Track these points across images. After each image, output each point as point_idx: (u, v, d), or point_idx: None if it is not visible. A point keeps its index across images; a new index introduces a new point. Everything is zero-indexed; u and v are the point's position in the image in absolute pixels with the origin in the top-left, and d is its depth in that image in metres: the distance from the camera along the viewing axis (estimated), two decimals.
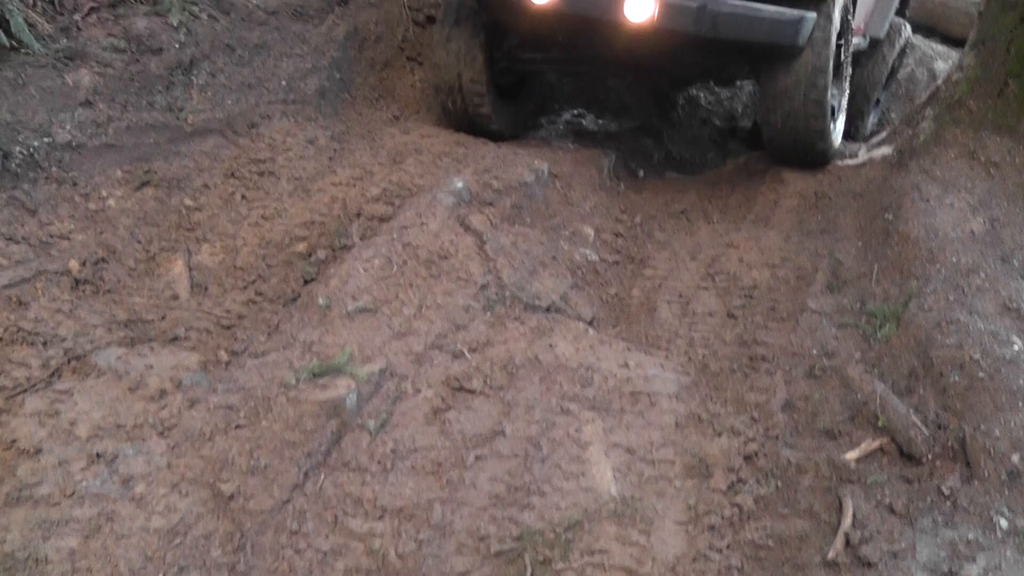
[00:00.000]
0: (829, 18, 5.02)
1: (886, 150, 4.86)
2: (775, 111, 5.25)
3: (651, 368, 3.76)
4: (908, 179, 4.48)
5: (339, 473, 3.30)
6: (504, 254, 4.26)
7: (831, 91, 5.20)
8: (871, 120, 7.35)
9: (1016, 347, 3.58)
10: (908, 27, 7.58)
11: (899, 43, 7.38)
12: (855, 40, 6.35)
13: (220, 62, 5.57)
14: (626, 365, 3.73)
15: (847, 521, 3.15)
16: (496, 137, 5.61)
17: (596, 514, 3.21)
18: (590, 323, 4.12)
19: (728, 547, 3.13)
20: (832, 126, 5.34)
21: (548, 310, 4.09)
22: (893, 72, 7.68)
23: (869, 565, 3.02)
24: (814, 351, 3.90)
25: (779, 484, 3.35)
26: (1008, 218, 4.22)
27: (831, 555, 3.05)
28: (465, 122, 5.63)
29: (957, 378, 3.50)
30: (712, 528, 3.17)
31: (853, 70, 6.69)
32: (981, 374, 3.46)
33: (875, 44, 7.14)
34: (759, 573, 3.05)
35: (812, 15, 4.82)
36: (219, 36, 5.59)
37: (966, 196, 4.31)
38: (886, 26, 7.13)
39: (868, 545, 3.08)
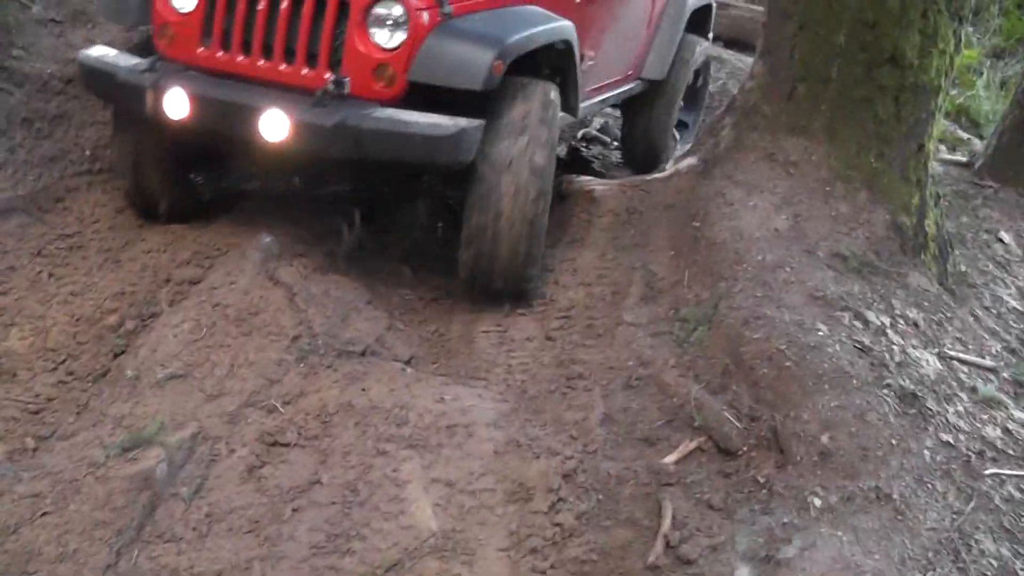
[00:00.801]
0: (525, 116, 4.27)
1: (692, 160, 4.99)
2: (471, 238, 4.36)
3: (468, 399, 3.76)
4: (712, 186, 4.62)
5: (154, 546, 3.20)
6: (315, 303, 4.21)
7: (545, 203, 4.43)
8: (679, 149, 6.87)
9: (821, 333, 3.70)
10: (704, 44, 7.06)
11: (693, 65, 6.83)
12: (628, 86, 6.29)
13: (19, 137, 5.41)
14: (442, 399, 3.72)
15: (666, 523, 3.23)
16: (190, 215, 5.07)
17: (417, 551, 3.18)
18: (407, 362, 4.09)
19: (551, 567, 3.16)
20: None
21: (363, 354, 4.05)
22: (696, 94, 7.30)
23: (689, 563, 3.09)
24: (631, 362, 3.97)
25: (600, 497, 3.39)
26: (810, 212, 4.39)
27: (652, 559, 3.10)
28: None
29: (766, 370, 3.62)
30: (534, 551, 3.18)
31: (638, 111, 6.67)
32: (788, 363, 3.58)
33: (658, 83, 6.57)
34: None
35: (476, 124, 4.06)
36: (15, 110, 5.44)
37: (769, 196, 4.47)
38: (666, 66, 6.52)
39: (688, 544, 3.16)
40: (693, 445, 3.55)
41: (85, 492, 3.29)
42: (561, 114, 4.77)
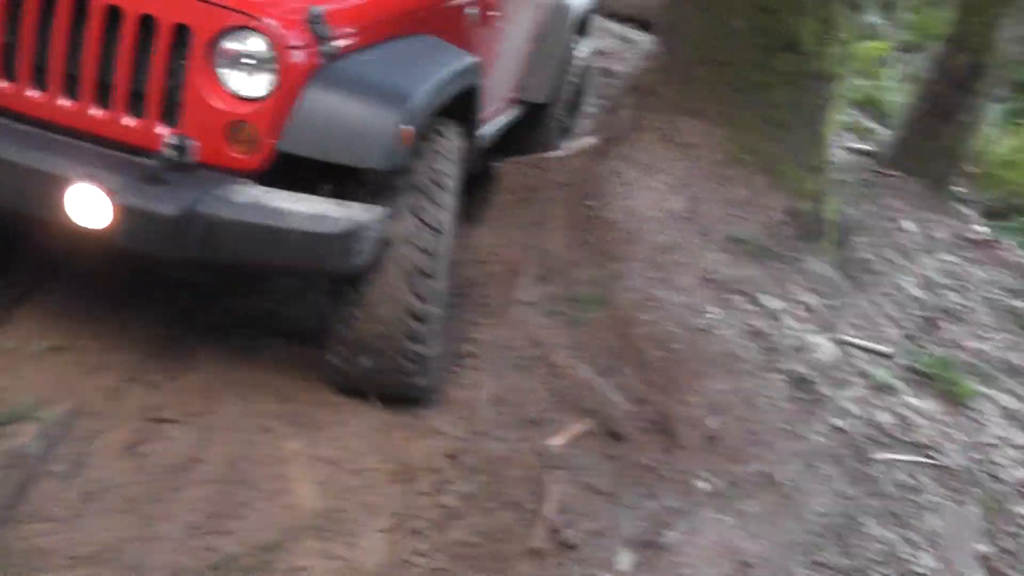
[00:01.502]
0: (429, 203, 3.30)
1: (590, 139, 4.91)
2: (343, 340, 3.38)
3: None
4: (608, 165, 4.55)
5: (26, 526, 2.98)
6: None
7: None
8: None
9: (710, 316, 3.64)
10: (583, 51, 6.22)
11: (573, 72, 5.98)
12: (514, 112, 5.38)
13: None
14: None
15: (549, 507, 3.11)
16: None
17: (298, 531, 3.02)
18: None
19: (434, 549, 3.03)
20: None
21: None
22: (575, 103, 6.38)
23: (571, 547, 3.00)
24: (521, 342, 3.86)
25: (485, 479, 3.28)
26: (706, 195, 4.34)
27: (534, 543, 2.98)
28: None
29: (656, 352, 3.57)
30: (416, 532, 3.06)
31: (522, 133, 5.64)
32: (677, 345, 3.53)
33: (540, 106, 5.66)
34: (465, 572, 2.93)
35: (377, 213, 3.04)
36: None
37: (665, 178, 4.41)
38: (547, 85, 5.58)
39: (571, 528, 3.07)
40: (581, 428, 3.46)
41: None
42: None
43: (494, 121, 5.00)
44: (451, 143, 3.52)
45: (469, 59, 3.72)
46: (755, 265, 4.10)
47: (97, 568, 2.85)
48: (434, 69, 3.41)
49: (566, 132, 6.16)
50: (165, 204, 2.82)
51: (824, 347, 3.81)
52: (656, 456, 3.28)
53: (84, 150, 3.03)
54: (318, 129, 2.97)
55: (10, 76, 3.10)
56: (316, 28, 2.98)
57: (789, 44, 4.33)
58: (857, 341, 3.99)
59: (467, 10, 4.14)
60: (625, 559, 2.93)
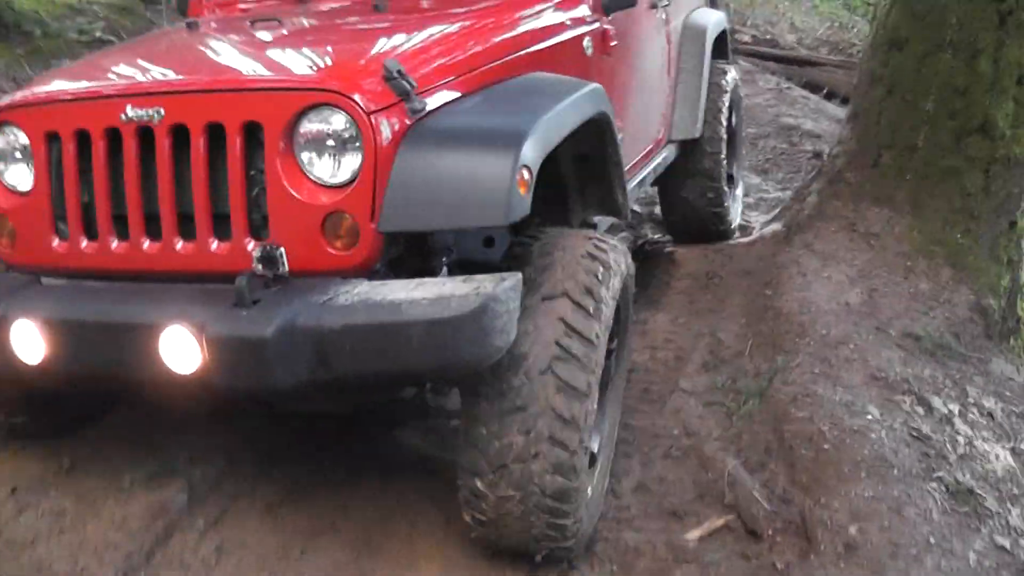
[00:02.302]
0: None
1: (776, 226, 4.78)
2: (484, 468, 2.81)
3: None
4: (790, 254, 4.42)
5: (161, 573, 3.19)
6: None
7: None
8: (737, 205, 5.83)
9: (869, 416, 3.44)
10: (730, 72, 5.70)
11: (724, 104, 5.43)
12: (662, 156, 4.86)
13: None
14: None
15: None
16: None
17: None
18: None
19: None
20: None
21: None
22: (732, 137, 5.73)
23: None
24: (676, 431, 3.79)
25: (614, 568, 3.20)
26: (887, 288, 4.12)
27: None
28: None
29: (805, 451, 3.40)
30: None
31: (677, 182, 5.30)
32: (827, 446, 3.35)
33: (692, 143, 5.18)
34: None
35: (511, 282, 2.54)
36: None
37: (845, 268, 4.23)
38: (698, 118, 5.12)
39: None
40: (720, 523, 3.34)
41: (105, 514, 3.34)
42: (607, 220, 3.86)
43: (640, 176, 4.48)
44: (605, 250, 3.02)
45: (590, 85, 3.25)
46: (932, 365, 3.84)
47: None
48: (546, 101, 2.95)
49: (728, 175, 5.64)
50: (257, 326, 2.42)
51: (999, 457, 3.51)
52: (790, 559, 3.11)
53: (176, 292, 2.73)
54: (417, 196, 2.58)
55: (92, 234, 2.87)
56: (395, 84, 2.63)
57: (982, 127, 4.09)
58: None
59: (584, 42, 3.70)
60: None
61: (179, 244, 2.76)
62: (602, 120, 3.25)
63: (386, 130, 2.61)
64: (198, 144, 2.67)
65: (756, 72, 9.16)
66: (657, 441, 3.79)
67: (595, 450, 3.17)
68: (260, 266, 2.61)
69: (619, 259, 3.10)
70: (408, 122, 2.66)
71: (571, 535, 2.94)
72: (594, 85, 3.25)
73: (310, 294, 2.54)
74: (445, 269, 2.93)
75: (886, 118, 4.31)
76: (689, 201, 5.33)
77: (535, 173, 2.66)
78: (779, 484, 3.39)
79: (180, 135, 2.70)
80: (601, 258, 2.95)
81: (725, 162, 5.39)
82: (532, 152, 2.66)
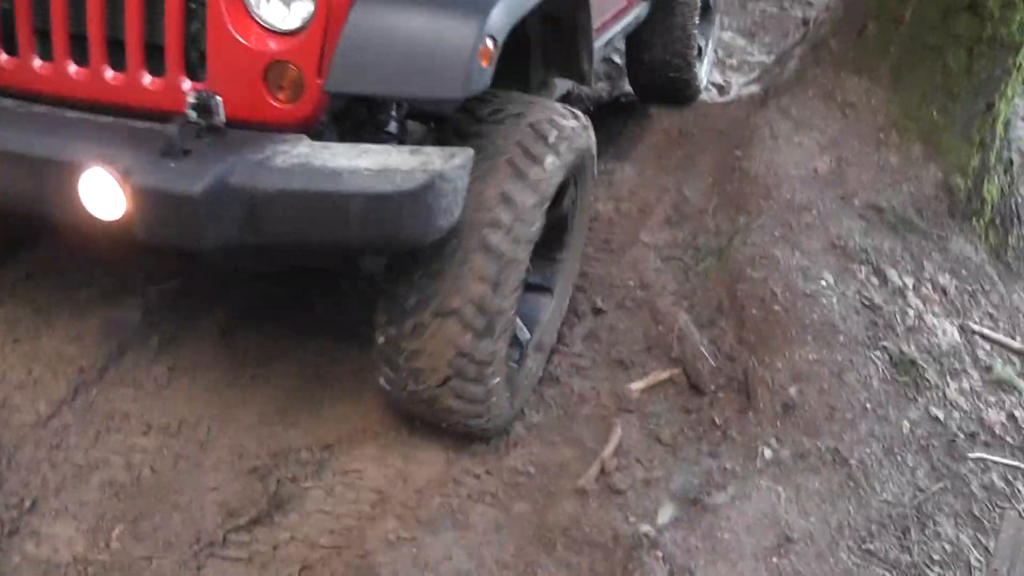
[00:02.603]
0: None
1: (754, 88, 4.69)
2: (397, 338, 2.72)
3: None
4: (764, 116, 4.33)
5: (113, 389, 3.19)
6: None
7: None
8: (703, 73, 5.36)
9: (823, 283, 3.45)
10: None
11: None
12: (634, 12, 4.43)
13: None
14: None
15: (608, 449, 3.07)
16: None
17: (360, 435, 3.10)
18: None
19: (487, 472, 3.03)
20: None
21: None
22: (706, 4, 5.33)
23: (617, 492, 2.94)
24: (631, 282, 3.78)
25: (559, 413, 3.25)
26: (857, 159, 4.07)
27: (581, 482, 2.94)
28: None
29: (755, 311, 3.41)
30: (475, 454, 3.05)
31: (647, 40, 4.89)
32: (777, 307, 3.36)
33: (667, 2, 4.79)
34: (510, 499, 2.92)
35: (462, 158, 2.36)
36: None
37: (817, 135, 4.16)
38: None
39: (623, 472, 3.01)
40: (665, 375, 3.36)
41: (59, 327, 3.32)
42: (566, 83, 3.66)
43: (608, 34, 4.08)
44: (562, 123, 2.83)
45: None
46: (892, 238, 3.81)
47: (168, 438, 3.02)
48: None
49: (706, 31, 5.34)
50: (186, 181, 2.17)
51: (946, 332, 3.53)
52: (729, 415, 3.15)
53: (103, 128, 2.47)
54: (369, 57, 2.34)
55: (11, 48, 2.55)
56: None
57: (971, 5, 3.93)
58: (987, 332, 3.66)
59: None
60: (666, 513, 2.84)
61: (108, 73, 2.47)
62: None
63: None
64: None
65: None
66: (612, 291, 3.77)
67: (526, 336, 3.09)
68: (194, 113, 2.31)
69: (575, 129, 2.88)
70: None
71: (484, 411, 2.85)
72: None
73: (246, 150, 2.30)
74: (394, 123, 2.77)
75: None
76: (654, 64, 5.00)
77: (500, 44, 2.43)
78: (726, 342, 3.41)
79: None
80: (554, 128, 2.76)
81: (695, 28, 4.99)
82: (500, 20, 2.42)
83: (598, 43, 3.75)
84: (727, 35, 6.85)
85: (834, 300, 3.38)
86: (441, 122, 2.89)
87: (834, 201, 3.90)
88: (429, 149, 2.35)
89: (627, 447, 3.08)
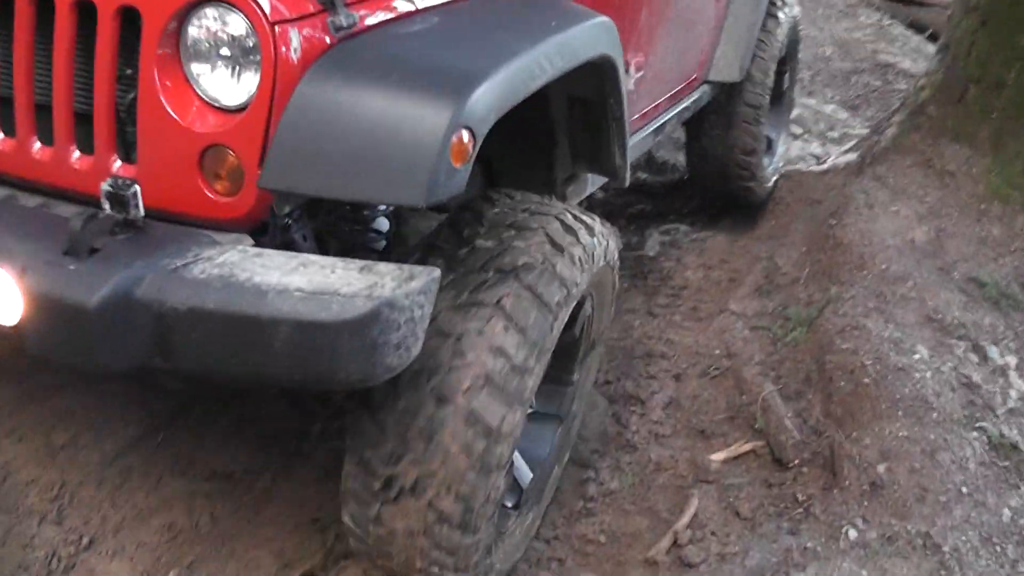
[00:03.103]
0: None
1: (852, 156, 4.49)
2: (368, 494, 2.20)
3: None
4: (860, 185, 4.12)
5: (180, 434, 3.14)
6: None
7: None
8: (770, 169, 4.84)
9: (917, 356, 3.22)
10: (791, 12, 4.69)
11: (776, 51, 4.48)
12: (692, 98, 4.03)
13: None
14: None
15: (683, 520, 2.88)
16: None
17: None
18: None
19: (555, 538, 2.88)
20: None
21: None
22: (780, 94, 4.85)
23: (689, 566, 2.77)
24: (717, 351, 3.61)
25: (634, 481, 3.07)
26: (956, 229, 3.84)
27: (651, 553, 2.77)
28: None
29: (843, 383, 3.20)
30: (547, 522, 2.89)
31: (709, 128, 4.49)
32: (867, 380, 3.14)
33: (730, 87, 4.32)
34: (577, 568, 2.77)
35: (423, 280, 1.80)
36: None
37: (915, 204, 3.94)
38: (745, 59, 4.23)
39: (696, 545, 2.83)
40: (747, 447, 3.17)
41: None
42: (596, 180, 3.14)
43: (657, 123, 3.68)
44: (575, 240, 2.31)
45: (597, 19, 2.43)
46: (994, 314, 3.56)
47: (230, 486, 2.94)
48: (528, 35, 2.18)
49: (767, 137, 4.75)
50: (82, 288, 1.72)
51: None
52: (813, 492, 2.93)
53: (21, 213, 2.03)
54: (311, 147, 1.83)
55: None
56: None
57: None
58: None
59: None
60: None
61: (35, 146, 2.06)
62: (605, 65, 2.45)
63: (295, 46, 1.86)
64: (64, 21, 1.93)
65: (859, 6, 8.66)
66: (697, 359, 3.61)
67: (527, 476, 2.62)
68: (108, 203, 1.84)
69: (592, 248, 2.38)
70: (329, 40, 1.91)
71: None
72: (601, 19, 2.44)
73: (164, 253, 1.83)
74: (384, 219, 2.45)
75: (976, 51, 3.94)
76: (716, 154, 4.52)
77: (480, 138, 1.88)
78: (813, 415, 3.20)
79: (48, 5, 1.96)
80: (563, 255, 2.24)
81: (764, 118, 4.50)
82: (485, 105, 1.88)
83: (641, 134, 3.45)
84: (829, 108, 6.68)
85: (928, 375, 3.15)
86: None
87: (932, 273, 3.67)
88: (383, 267, 1.81)
89: (703, 519, 2.90)
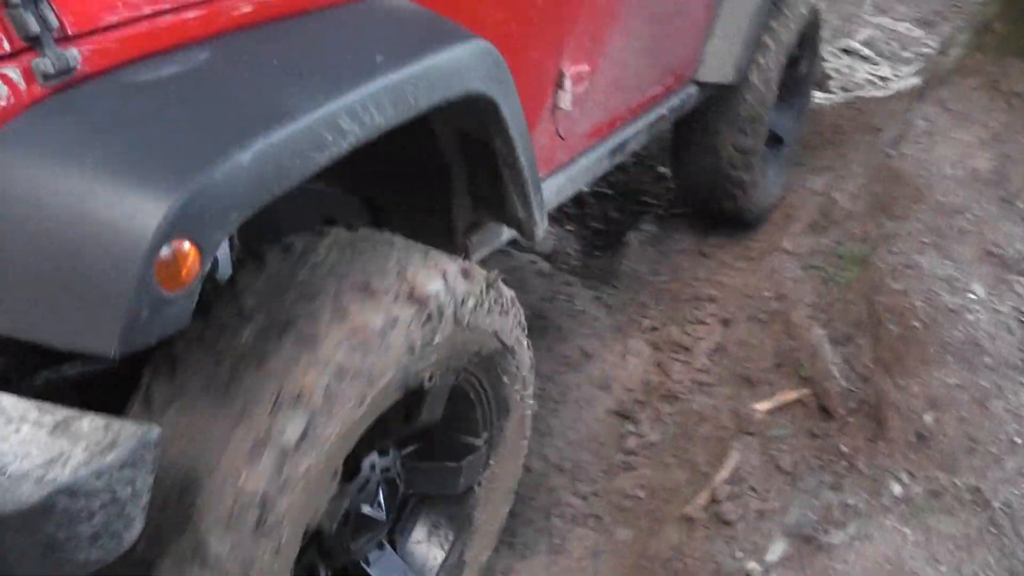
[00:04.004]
0: None
1: (915, 81, 4.14)
2: None
3: (581, 302, 3.38)
4: (922, 110, 3.81)
5: None
6: None
7: None
8: (772, 181, 3.96)
9: (971, 296, 2.95)
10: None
11: (784, 43, 3.61)
12: (672, 102, 3.22)
13: None
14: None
15: (722, 475, 2.72)
16: None
17: None
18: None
19: (593, 493, 2.75)
20: None
21: None
22: (796, 84, 4.01)
23: (726, 523, 2.60)
24: (767, 293, 3.40)
25: (675, 432, 2.92)
26: (1021, 155, 3.50)
27: (687, 510, 2.61)
28: None
29: (893, 327, 2.95)
30: (585, 477, 2.77)
31: (698, 131, 3.63)
32: (916, 323, 2.89)
33: (724, 88, 3.44)
34: (614, 524, 2.64)
35: (118, 462, 1.20)
36: None
37: (978, 130, 3.62)
38: (741, 58, 3.37)
39: (734, 502, 2.66)
40: (792, 396, 2.97)
41: None
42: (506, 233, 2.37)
43: (618, 138, 2.91)
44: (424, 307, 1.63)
45: (460, 43, 1.73)
46: None
47: None
48: (324, 85, 1.46)
49: (780, 146, 4.00)
50: None
51: None
52: (858, 444, 2.73)
53: None
54: None
55: None
56: (16, 16, 1.26)
57: None
58: None
59: None
60: (777, 550, 2.47)
61: None
62: (482, 105, 1.80)
63: None
64: None
65: None
66: (746, 302, 3.41)
67: None
68: None
69: (436, 310, 1.65)
70: (38, 90, 1.30)
71: None
72: (471, 45, 1.75)
73: None
74: None
75: None
76: (702, 166, 3.71)
77: (213, 248, 1.27)
78: (861, 361, 2.97)
79: None
80: (368, 316, 1.55)
81: (766, 121, 3.65)
82: (212, 206, 1.24)
83: (591, 156, 2.74)
84: (902, 25, 6.21)
85: (982, 316, 2.89)
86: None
87: (993, 204, 3.37)
88: (86, 424, 1.24)
89: (743, 473, 2.72)
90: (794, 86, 3.97)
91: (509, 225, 2.18)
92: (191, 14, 1.47)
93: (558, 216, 3.96)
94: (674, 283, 3.59)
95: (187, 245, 1.22)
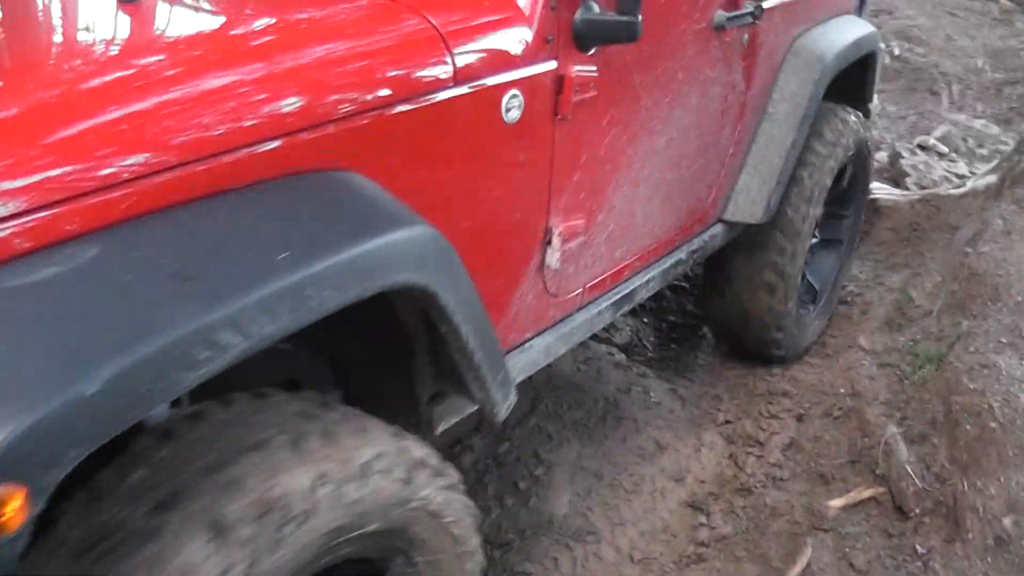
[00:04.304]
0: None
1: (991, 179, 4.12)
2: None
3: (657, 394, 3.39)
4: (998, 209, 3.78)
5: None
6: None
7: None
8: (809, 331, 3.65)
9: None
10: (854, 120, 3.46)
11: (824, 176, 3.30)
12: (695, 244, 3.01)
13: None
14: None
15: (794, 571, 2.70)
16: None
17: (541, 529, 2.90)
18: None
19: None
20: None
21: None
22: (837, 221, 3.75)
23: None
24: (842, 390, 3.37)
25: (747, 526, 2.90)
26: None
27: None
28: None
29: (969, 427, 2.90)
30: (651, 567, 2.77)
31: (727, 271, 3.39)
32: (993, 424, 2.85)
33: (755, 227, 3.18)
34: None
35: None
36: None
37: None
38: (773, 196, 3.11)
39: None
40: (867, 494, 2.94)
41: None
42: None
43: (625, 287, 2.67)
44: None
45: (394, 230, 1.56)
46: None
47: None
48: (205, 291, 1.30)
49: (810, 284, 3.67)
50: None
51: None
52: (934, 544, 2.68)
53: None
54: None
55: None
56: None
57: None
58: None
59: (505, 99, 1.92)
60: None
61: None
62: (417, 294, 1.64)
63: None
64: None
65: (1015, 12, 8.04)
66: (820, 398, 3.39)
67: None
68: None
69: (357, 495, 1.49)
70: None
71: None
72: (410, 230, 1.58)
73: None
74: None
75: None
76: (734, 305, 3.45)
77: (45, 491, 1.11)
78: (937, 461, 2.92)
79: None
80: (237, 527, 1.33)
81: (804, 264, 3.37)
82: (43, 444, 1.09)
83: (591, 310, 2.52)
84: (979, 123, 6.20)
85: None
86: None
87: None
88: None
89: (815, 570, 2.69)
90: (838, 219, 3.73)
91: (471, 401, 1.97)
92: (93, 200, 1.30)
93: (635, 308, 3.99)
94: (748, 377, 3.58)
95: (13, 489, 1.07)
